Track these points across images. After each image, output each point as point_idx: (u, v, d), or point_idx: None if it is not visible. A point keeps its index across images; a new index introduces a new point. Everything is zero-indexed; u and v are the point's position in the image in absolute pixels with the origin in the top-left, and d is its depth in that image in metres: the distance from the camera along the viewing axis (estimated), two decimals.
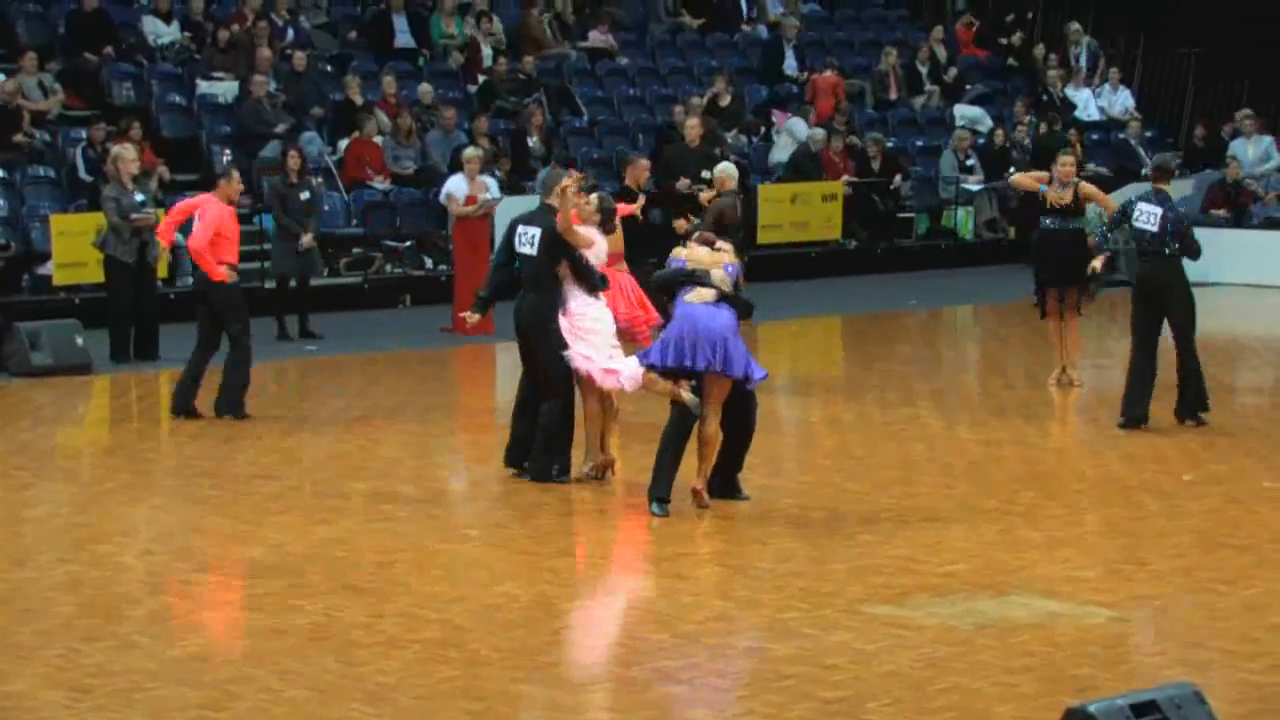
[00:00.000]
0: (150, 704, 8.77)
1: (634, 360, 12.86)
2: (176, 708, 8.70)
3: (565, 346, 13.16)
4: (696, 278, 12.29)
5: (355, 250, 23.75)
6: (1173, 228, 15.29)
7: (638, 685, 9.11)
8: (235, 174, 16.28)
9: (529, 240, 13.32)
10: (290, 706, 8.74)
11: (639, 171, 17.97)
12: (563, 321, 13.25)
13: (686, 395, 12.35)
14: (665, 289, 12.65)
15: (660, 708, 8.83)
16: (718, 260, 12.32)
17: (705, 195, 17.52)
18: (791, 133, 28.00)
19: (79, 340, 18.65)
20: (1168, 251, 15.31)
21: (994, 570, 11.20)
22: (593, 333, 13.23)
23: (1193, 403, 15.52)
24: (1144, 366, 15.42)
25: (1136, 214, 15.38)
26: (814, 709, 8.68)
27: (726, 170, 17.37)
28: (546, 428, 13.31)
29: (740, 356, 12.27)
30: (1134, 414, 15.43)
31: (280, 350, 20.05)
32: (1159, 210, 15.32)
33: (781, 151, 27.91)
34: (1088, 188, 17.30)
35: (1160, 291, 15.36)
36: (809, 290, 25.30)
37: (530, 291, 13.37)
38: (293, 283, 20.93)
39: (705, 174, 20.22)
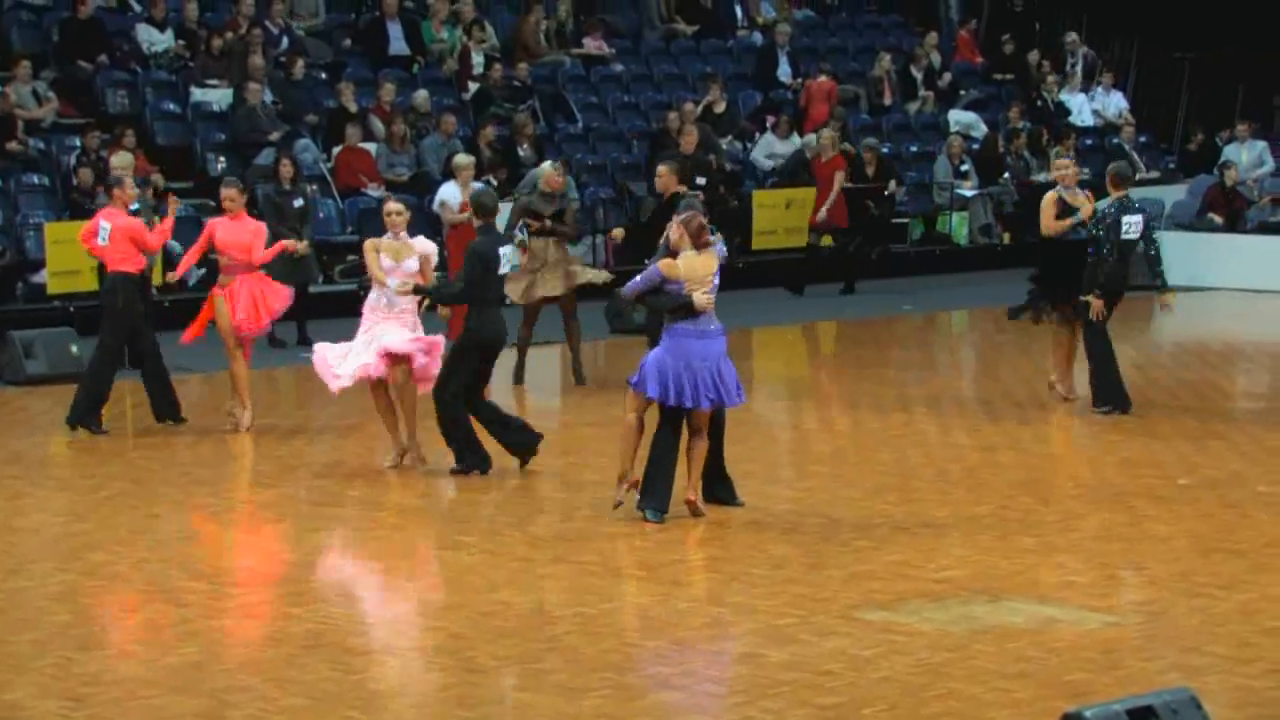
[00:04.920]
0: (145, 713, 8.76)
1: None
2: (172, 716, 8.69)
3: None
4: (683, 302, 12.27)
5: (350, 257, 23.70)
6: (1148, 230, 16.20)
7: (634, 692, 9.11)
8: (126, 180, 16.27)
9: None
10: (287, 715, 8.73)
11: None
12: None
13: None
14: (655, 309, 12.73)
15: (656, 714, 8.83)
16: (709, 268, 12.30)
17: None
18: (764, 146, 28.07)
19: (74, 348, 18.63)
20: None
21: (990, 576, 11.19)
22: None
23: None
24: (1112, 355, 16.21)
25: (1125, 228, 15.85)
26: (810, 715, 8.67)
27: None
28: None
29: (732, 384, 12.43)
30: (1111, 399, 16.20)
31: (275, 358, 20.02)
32: (1139, 218, 15.97)
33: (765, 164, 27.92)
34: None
35: (1120, 294, 16.12)
36: (803, 296, 25.31)
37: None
38: None
39: (700, 180, 20.20)
